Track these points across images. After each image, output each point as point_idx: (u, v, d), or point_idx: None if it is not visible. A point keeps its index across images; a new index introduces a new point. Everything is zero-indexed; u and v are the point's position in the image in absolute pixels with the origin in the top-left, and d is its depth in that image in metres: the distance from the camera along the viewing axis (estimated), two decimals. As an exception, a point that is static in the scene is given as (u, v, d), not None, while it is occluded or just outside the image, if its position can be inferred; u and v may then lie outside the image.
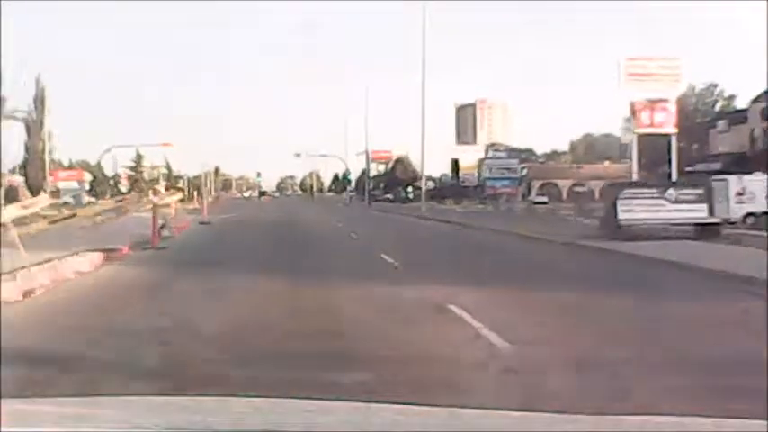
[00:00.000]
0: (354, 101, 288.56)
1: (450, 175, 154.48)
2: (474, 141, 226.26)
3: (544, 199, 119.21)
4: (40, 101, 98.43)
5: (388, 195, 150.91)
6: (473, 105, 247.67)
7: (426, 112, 75.26)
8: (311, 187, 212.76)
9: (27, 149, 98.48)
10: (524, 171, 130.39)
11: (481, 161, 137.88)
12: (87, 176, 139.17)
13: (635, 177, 49.52)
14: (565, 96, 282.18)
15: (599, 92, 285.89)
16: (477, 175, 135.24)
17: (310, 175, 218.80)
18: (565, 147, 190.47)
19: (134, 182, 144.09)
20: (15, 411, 3.15)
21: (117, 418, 3.20)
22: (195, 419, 3.19)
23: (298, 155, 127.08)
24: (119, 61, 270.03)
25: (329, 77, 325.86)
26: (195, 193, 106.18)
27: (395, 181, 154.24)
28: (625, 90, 50.62)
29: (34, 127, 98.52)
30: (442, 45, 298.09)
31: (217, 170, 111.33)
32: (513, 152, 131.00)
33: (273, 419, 3.24)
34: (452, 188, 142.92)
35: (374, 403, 3.90)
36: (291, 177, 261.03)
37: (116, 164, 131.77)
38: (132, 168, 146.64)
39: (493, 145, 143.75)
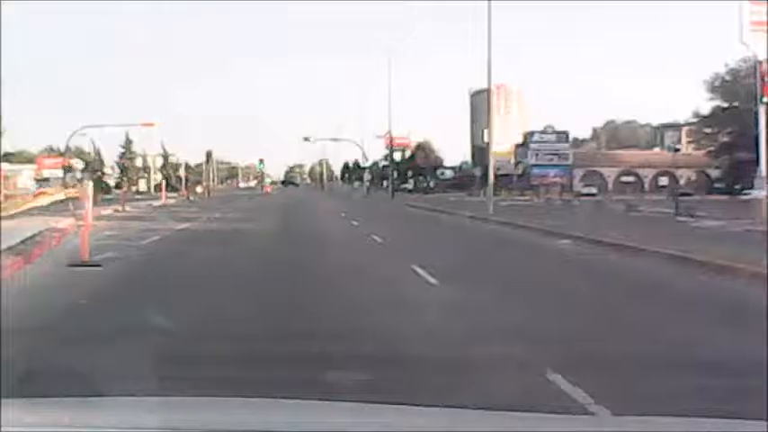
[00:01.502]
0: (368, 79, 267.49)
1: (469, 162, 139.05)
2: (487, 127, 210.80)
3: (593, 190, 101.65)
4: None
5: (406, 185, 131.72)
6: (488, 90, 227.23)
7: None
8: (321, 176, 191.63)
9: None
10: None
11: (517, 146, 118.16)
12: (79, 164, 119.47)
13: (765, 162, 37.88)
14: (583, 82, 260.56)
15: (620, 77, 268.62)
16: (513, 161, 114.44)
17: (320, 162, 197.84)
18: (585, 134, 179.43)
19: (123, 170, 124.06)
20: (15, 411, 2.99)
21: (117, 418, 3.04)
22: (195, 419, 3.03)
23: (306, 139, 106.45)
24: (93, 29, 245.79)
25: (339, 52, 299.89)
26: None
27: (415, 169, 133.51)
28: (748, 42, 39.22)
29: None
30: (455, 28, 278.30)
31: (209, 155, 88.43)
32: (561, 135, 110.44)
33: (273, 419, 3.05)
34: (474, 177, 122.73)
35: (374, 403, 3.60)
36: (300, 166, 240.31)
37: (95, 148, 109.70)
38: (121, 155, 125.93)
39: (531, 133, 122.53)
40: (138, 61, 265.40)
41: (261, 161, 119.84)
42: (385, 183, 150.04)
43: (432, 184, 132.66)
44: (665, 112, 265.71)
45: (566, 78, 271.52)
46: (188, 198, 69.02)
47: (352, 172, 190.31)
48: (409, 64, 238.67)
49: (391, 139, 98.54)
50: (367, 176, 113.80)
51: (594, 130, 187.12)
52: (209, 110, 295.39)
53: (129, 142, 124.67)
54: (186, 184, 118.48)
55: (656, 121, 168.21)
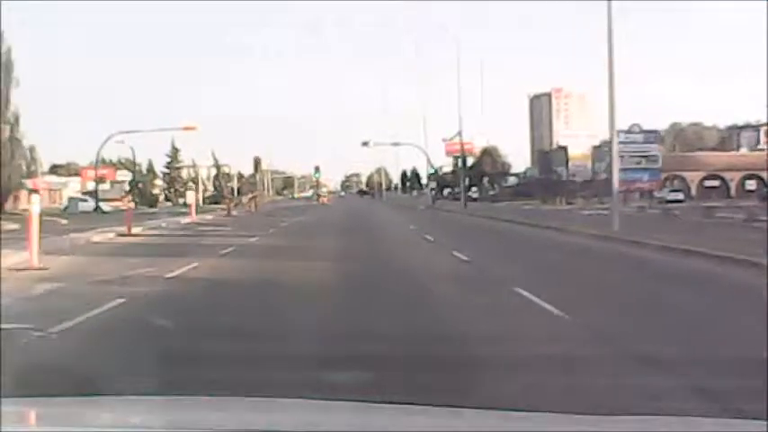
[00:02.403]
0: (429, 81, 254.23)
1: (532, 168, 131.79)
2: (550, 132, 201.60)
3: (679, 196, 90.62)
4: (3, 69, 68.15)
5: (470, 193, 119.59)
6: (548, 95, 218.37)
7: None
8: (379, 185, 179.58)
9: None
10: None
11: (595, 149, 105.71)
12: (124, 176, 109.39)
13: None
14: (644, 85, 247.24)
15: (682, 80, 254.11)
16: (591, 166, 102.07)
17: (377, 171, 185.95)
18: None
19: (170, 181, 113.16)
20: (15, 411, 2.98)
21: (117, 417, 3.08)
22: (195, 419, 3.02)
23: (365, 143, 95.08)
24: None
25: (397, 54, 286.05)
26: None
27: (480, 176, 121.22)
28: None
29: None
30: (513, 33, 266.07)
31: (258, 163, 76.28)
32: (650, 134, 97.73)
33: (273, 419, 3.06)
34: (540, 183, 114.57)
35: (374, 403, 3.58)
36: (356, 175, 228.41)
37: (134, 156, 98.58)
38: (167, 165, 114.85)
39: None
40: (182, 64, 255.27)
41: (317, 169, 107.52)
42: (446, 191, 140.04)
43: (495, 192, 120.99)
44: (729, 113, 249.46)
45: (626, 81, 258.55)
46: (229, 213, 57.19)
47: (410, 180, 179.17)
48: (466, 67, 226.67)
49: (462, 143, 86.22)
50: (431, 185, 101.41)
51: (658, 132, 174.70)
52: (262, 116, 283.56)
53: (175, 151, 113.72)
54: (237, 195, 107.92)
55: (721, 124, 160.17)
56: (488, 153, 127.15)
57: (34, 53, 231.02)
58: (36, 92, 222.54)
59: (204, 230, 36.27)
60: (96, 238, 30.12)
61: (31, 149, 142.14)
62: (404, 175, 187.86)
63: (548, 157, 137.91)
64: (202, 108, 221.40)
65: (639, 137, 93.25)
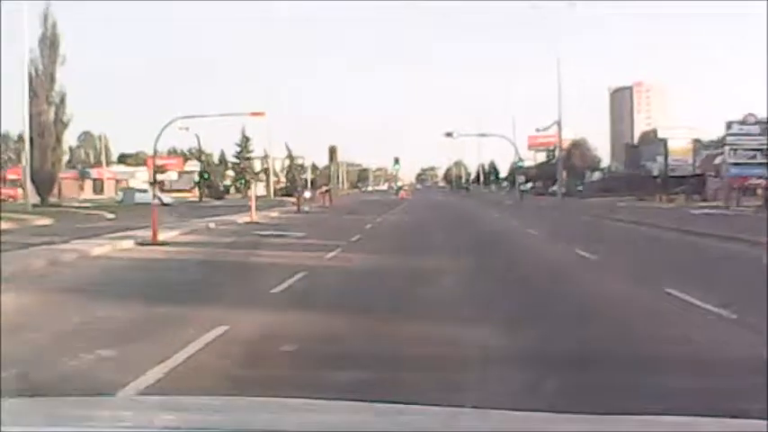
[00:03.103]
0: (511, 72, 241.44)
1: (618, 163, 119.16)
2: (631, 127, 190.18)
3: None
4: (48, 43, 58.10)
5: (555, 188, 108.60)
6: (629, 89, 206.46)
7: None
8: (459, 179, 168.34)
9: (29, 116, 56.59)
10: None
11: (696, 143, 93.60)
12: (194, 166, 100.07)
13: None
14: (730, 78, 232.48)
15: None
16: (692, 160, 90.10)
17: (456, 164, 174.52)
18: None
19: (240, 172, 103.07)
20: (15, 411, 2.92)
21: (117, 418, 2.97)
22: (195, 419, 2.94)
23: (449, 134, 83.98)
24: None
25: (478, 41, 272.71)
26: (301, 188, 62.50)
27: (570, 170, 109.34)
28: None
29: (38, 84, 57.30)
30: (592, 26, 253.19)
31: (333, 153, 65.51)
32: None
33: (273, 419, 2.95)
34: (628, 179, 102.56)
35: (374, 403, 3.46)
36: (432, 168, 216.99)
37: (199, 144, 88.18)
38: (237, 154, 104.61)
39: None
40: (256, 55, 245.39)
41: (396, 160, 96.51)
42: (527, 185, 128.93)
43: (581, 188, 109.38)
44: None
45: (713, 74, 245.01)
46: (299, 209, 46.41)
47: (488, 174, 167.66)
48: (545, 60, 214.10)
49: (559, 134, 75.06)
50: (520, 179, 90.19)
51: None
52: (335, 106, 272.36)
53: (245, 139, 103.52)
54: (310, 186, 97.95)
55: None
56: (578, 146, 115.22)
57: (105, 38, 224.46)
58: (104, 78, 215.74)
59: (261, 237, 25.42)
60: (97, 250, 19.63)
61: (102, 138, 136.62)
62: (481, 168, 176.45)
63: (635, 151, 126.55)
64: (276, 98, 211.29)
65: (755, 128, 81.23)
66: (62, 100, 58.53)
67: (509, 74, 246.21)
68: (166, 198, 74.24)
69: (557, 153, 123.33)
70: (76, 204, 62.93)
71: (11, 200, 58.35)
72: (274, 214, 42.14)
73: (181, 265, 17.34)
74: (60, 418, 2.83)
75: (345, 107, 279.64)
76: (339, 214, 44.03)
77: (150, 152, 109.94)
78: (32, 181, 59.58)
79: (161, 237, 24.09)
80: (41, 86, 57.12)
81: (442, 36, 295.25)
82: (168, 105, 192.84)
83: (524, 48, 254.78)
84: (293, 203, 51.09)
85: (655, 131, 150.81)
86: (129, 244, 21.54)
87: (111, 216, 44.27)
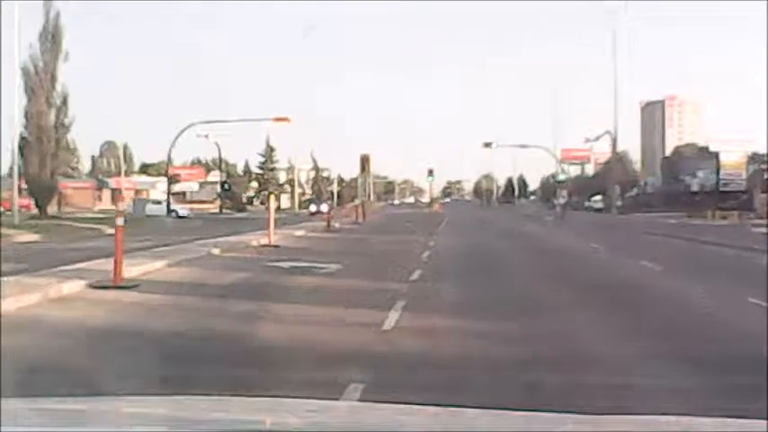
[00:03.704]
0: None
1: (652, 180, 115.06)
2: (663, 141, 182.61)
3: None
4: (50, 38, 50.54)
5: (591, 203, 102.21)
6: (661, 102, 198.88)
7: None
8: (488, 192, 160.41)
9: (26, 118, 49.86)
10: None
11: (751, 157, 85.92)
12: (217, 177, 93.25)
13: None
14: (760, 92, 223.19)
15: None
16: (744, 174, 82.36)
17: (485, 177, 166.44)
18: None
19: (263, 183, 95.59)
20: (15, 411, 2.84)
21: (117, 418, 2.93)
22: (195, 419, 2.89)
23: (487, 144, 76.35)
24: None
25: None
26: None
27: (611, 185, 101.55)
28: None
29: (36, 83, 49.93)
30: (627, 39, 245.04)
31: (365, 162, 57.62)
32: None
33: (273, 419, 2.93)
34: (665, 194, 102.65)
35: (374, 403, 3.72)
36: (459, 182, 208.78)
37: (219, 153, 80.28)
38: (261, 165, 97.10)
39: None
40: (279, 59, 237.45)
41: (430, 172, 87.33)
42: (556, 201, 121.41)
43: (619, 203, 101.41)
44: None
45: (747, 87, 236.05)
46: (329, 225, 38.27)
47: (520, 188, 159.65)
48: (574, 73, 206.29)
49: (615, 142, 67.12)
50: (563, 194, 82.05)
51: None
52: (360, 116, 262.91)
53: (269, 150, 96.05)
54: (337, 199, 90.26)
55: None
56: (619, 159, 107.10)
57: (130, 47, 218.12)
58: (129, 88, 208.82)
59: (279, 272, 17.45)
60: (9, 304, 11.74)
61: (124, 147, 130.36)
62: (509, 182, 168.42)
63: (672, 165, 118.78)
64: (301, 108, 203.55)
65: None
66: (64, 101, 51.00)
67: (542, 86, 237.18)
68: (183, 210, 67.48)
69: (589, 169, 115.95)
70: (81, 216, 55.50)
71: (23, 210, 50.93)
72: (300, 233, 33.93)
73: (124, 347, 9.29)
74: (60, 418, 2.78)
75: (370, 118, 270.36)
76: (376, 233, 35.82)
77: (175, 162, 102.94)
78: (30, 191, 52.49)
79: (136, 272, 16.26)
80: (40, 86, 49.85)
81: (469, 49, 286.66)
82: (194, 115, 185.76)
83: (560, 59, 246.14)
84: (323, 218, 43.11)
85: (692, 145, 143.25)
86: (76, 287, 13.65)
87: (112, 231, 36.87)
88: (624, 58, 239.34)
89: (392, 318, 10.81)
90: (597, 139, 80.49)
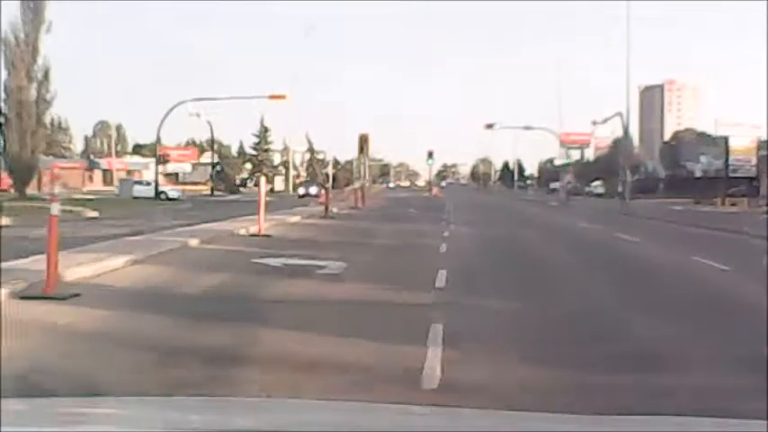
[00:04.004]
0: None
1: (652, 165, 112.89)
2: (662, 126, 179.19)
3: None
4: (31, 6, 46.71)
5: (590, 188, 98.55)
6: (660, 87, 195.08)
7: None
8: (487, 176, 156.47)
9: (5, 93, 46.65)
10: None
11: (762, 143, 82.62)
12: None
13: None
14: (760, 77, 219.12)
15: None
16: (755, 160, 78.75)
17: (482, 161, 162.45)
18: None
19: (257, 165, 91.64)
20: (15, 411, 2.80)
21: (117, 418, 2.87)
22: (195, 419, 2.84)
23: (490, 126, 71.73)
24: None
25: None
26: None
27: (613, 169, 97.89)
28: None
29: (17, 54, 46.32)
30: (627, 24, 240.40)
31: (364, 142, 53.32)
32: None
33: (273, 419, 2.86)
34: (666, 180, 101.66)
35: (374, 403, 3.67)
36: (454, 165, 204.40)
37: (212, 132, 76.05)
38: (255, 146, 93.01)
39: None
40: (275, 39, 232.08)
41: (430, 155, 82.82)
42: (555, 185, 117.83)
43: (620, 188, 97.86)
44: None
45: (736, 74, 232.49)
46: (326, 211, 34.10)
47: (514, 172, 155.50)
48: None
49: (627, 126, 63.69)
50: (568, 178, 78.45)
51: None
52: (355, 98, 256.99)
53: (263, 131, 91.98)
54: (332, 182, 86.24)
55: None
56: (622, 143, 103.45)
57: (125, 26, 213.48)
58: (123, 66, 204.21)
59: (267, 271, 13.78)
60: None
61: (117, 128, 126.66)
62: (505, 166, 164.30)
63: (673, 150, 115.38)
64: (296, 88, 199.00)
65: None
66: (46, 75, 47.16)
67: (543, 70, 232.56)
68: (173, 192, 63.82)
69: (585, 153, 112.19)
70: (64, 198, 51.41)
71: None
72: (294, 219, 29.91)
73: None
74: (60, 418, 2.75)
75: (366, 100, 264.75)
76: (379, 220, 31.79)
77: (165, 142, 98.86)
78: (10, 170, 48.62)
79: (88, 271, 12.56)
80: (20, 58, 46.01)
81: (466, 32, 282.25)
82: (190, 95, 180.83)
83: (563, 44, 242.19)
84: (320, 202, 39.24)
85: (691, 130, 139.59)
86: (-5, 296, 9.96)
87: (93, 214, 33.69)
88: (625, 42, 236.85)
89: (432, 361, 7.04)
90: (606, 121, 76.76)
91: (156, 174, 61.93)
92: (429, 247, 18.88)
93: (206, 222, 25.09)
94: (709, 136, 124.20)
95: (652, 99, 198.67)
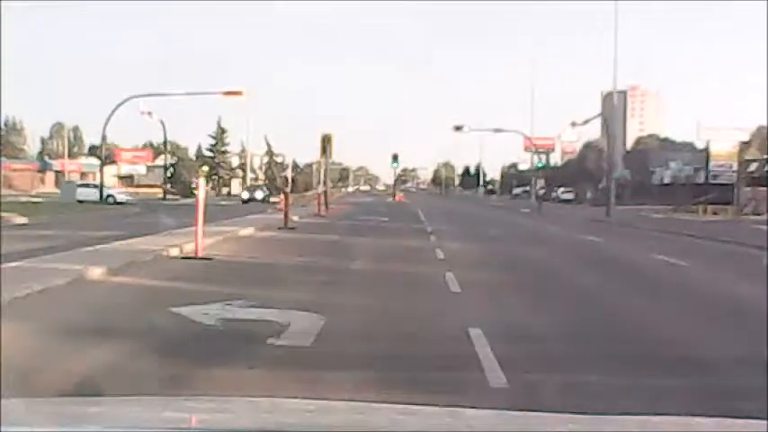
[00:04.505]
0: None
1: (621, 171, 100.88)
2: (624, 132, 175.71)
3: None
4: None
5: (557, 194, 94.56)
6: (624, 93, 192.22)
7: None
8: (446, 181, 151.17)
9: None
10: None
11: (744, 144, 78.10)
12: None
13: None
14: (725, 84, 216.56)
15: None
16: (736, 166, 74.22)
17: (444, 165, 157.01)
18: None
19: (213, 167, 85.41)
20: (15, 411, 2.71)
21: (117, 418, 2.76)
22: (195, 419, 2.78)
23: (458, 128, 66.41)
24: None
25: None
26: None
27: (581, 174, 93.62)
28: None
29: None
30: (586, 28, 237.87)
31: (327, 141, 46.90)
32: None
33: (273, 419, 2.81)
34: (634, 186, 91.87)
35: (374, 403, 3.51)
36: (414, 170, 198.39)
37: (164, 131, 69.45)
38: (211, 147, 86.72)
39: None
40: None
41: (395, 158, 76.13)
42: (518, 190, 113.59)
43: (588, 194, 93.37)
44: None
45: (700, 81, 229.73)
46: (286, 219, 27.82)
47: (474, 177, 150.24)
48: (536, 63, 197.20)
49: (607, 129, 59.01)
50: (541, 183, 73.22)
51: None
52: (313, 99, 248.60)
53: (220, 132, 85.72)
54: (291, 184, 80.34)
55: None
56: (592, 148, 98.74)
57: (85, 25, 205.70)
58: (79, 68, 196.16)
59: (181, 360, 7.00)
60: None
61: (70, 130, 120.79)
62: (466, 171, 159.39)
63: (641, 156, 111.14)
64: (254, 89, 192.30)
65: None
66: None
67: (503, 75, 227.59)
68: (121, 195, 58.07)
69: (546, 158, 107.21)
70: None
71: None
72: (246, 232, 23.67)
73: None
74: (60, 418, 2.70)
75: (325, 101, 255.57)
76: (350, 232, 25.63)
77: (121, 144, 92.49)
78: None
79: None
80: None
81: (427, 35, 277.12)
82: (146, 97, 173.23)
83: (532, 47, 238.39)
84: (277, 208, 33.32)
85: (654, 136, 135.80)
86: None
87: (21, 220, 28.38)
88: (591, 48, 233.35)
89: None
90: (586, 122, 71.91)
91: (101, 175, 56.03)
92: (431, 280, 13.17)
93: (135, 237, 19.27)
94: (673, 142, 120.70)
95: (613, 105, 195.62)
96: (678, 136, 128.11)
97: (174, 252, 16.27)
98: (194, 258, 15.35)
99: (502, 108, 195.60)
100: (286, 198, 29.23)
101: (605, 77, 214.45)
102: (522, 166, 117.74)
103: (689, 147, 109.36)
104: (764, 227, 34.81)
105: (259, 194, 69.71)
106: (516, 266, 16.99)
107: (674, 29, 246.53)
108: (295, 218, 30.86)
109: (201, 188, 16.53)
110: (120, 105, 52.95)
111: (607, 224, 41.10)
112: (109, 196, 54.90)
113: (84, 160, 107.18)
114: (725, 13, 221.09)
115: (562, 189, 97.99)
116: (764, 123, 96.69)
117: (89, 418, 2.71)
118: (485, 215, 51.93)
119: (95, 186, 57.59)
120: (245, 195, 71.77)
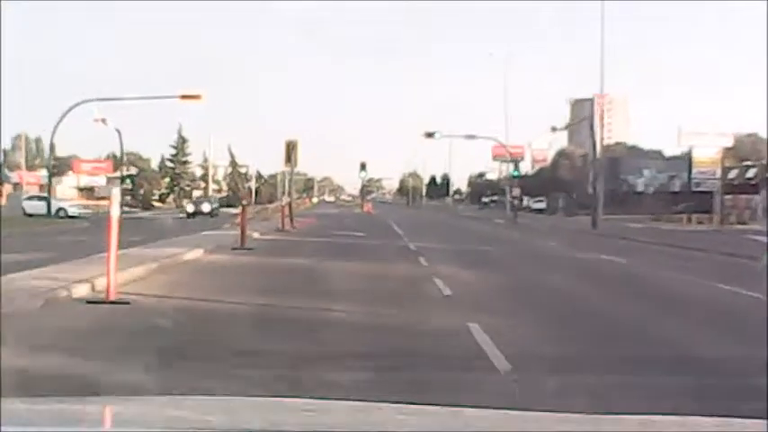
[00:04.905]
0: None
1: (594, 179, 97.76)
2: (593, 139, 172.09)
3: None
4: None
5: (531, 203, 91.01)
6: (590, 100, 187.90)
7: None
8: (414, 191, 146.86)
9: None
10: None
11: (728, 150, 74.83)
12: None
13: None
14: (694, 93, 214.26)
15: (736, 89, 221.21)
16: (720, 173, 70.69)
17: (410, 175, 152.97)
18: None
19: (174, 179, 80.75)
20: (15, 411, 2.68)
21: (117, 418, 2.74)
22: (195, 419, 2.71)
23: (430, 134, 62.57)
24: None
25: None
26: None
27: (555, 184, 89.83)
28: None
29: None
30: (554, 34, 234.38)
31: (292, 148, 42.40)
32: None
33: (273, 419, 2.76)
34: (607, 195, 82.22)
35: (374, 403, 3.32)
36: (378, 180, 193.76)
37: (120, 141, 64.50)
38: (172, 158, 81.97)
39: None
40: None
41: (363, 166, 71.21)
42: (487, 200, 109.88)
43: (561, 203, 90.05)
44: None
45: (679, 88, 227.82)
46: (243, 238, 23.12)
47: (440, 187, 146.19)
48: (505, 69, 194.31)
49: (593, 135, 55.20)
50: (516, 192, 69.07)
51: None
52: (278, 109, 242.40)
53: (182, 141, 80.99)
54: (255, 198, 76.17)
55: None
56: (566, 156, 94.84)
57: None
58: (43, 76, 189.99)
59: None
60: None
61: (37, 140, 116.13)
62: (432, 181, 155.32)
63: (613, 164, 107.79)
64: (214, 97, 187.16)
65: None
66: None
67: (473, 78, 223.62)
68: (73, 209, 54.00)
69: (521, 167, 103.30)
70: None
71: None
72: (193, 255, 18.62)
73: None
74: (60, 418, 2.64)
75: (287, 110, 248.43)
76: (324, 255, 20.63)
77: (81, 155, 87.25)
78: None
79: None
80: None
81: (394, 42, 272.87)
82: (107, 106, 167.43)
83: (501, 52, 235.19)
84: (236, 222, 28.56)
85: (622, 144, 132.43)
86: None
87: None
88: (558, 55, 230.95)
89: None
90: (568, 126, 68.15)
91: (50, 187, 51.59)
92: (454, 341, 8.60)
93: (47, 265, 14.59)
94: (641, 149, 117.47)
95: (581, 113, 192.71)
96: (645, 144, 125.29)
97: (82, 291, 11.48)
98: (103, 303, 10.55)
99: (471, 116, 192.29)
100: (243, 211, 24.43)
101: (573, 85, 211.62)
102: (490, 176, 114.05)
103: (657, 154, 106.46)
104: (756, 237, 33.99)
105: (206, 207, 63.84)
106: (558, 309, 12.11)
107: (637, 38, 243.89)
108: (255, 234, 26.11)
109: (115, 203, 11.56)
110: (68, 112, 48.06)
111: (601, 237, 37.06)
112: (60, 209, 50.78)
113: (43, 172, 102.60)
114: (691, 19, 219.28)
115: (533, 198, 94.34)
116: (742, 130, 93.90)
117: (89, 418, 2.67)
118: (462, 227, 48.11)
119: (44, 199, 52.94)
120: (191, 209, 65.46)
